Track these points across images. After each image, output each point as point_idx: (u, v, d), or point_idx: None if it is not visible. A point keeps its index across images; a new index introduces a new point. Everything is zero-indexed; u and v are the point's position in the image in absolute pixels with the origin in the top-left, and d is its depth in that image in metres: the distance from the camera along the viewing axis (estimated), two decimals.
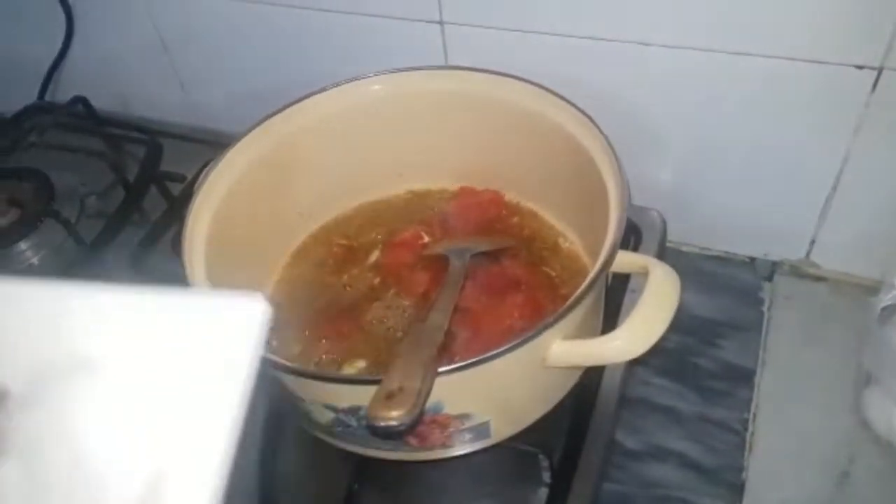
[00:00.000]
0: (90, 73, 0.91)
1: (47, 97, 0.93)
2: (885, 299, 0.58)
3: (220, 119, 0.86)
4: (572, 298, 0.44)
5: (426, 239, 0.66)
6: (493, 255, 0.62)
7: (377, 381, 0.46)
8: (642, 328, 0.44)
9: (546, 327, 0.43)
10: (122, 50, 0.88)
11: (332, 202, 0.69)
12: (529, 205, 0.67)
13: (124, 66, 0.90)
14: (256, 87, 0.82)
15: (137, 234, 0.76)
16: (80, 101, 0.87)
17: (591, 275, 0.45)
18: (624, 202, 0.49)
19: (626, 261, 0.49)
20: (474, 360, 0.42)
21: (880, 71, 0.57)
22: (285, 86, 0.64)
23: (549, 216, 0.66)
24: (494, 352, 0.42)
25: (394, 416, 0.38)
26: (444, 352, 0.53)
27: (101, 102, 0.88)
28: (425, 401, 0.40)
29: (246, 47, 0.81)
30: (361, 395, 0.45)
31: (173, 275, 0.53)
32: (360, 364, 0.56)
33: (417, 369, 0.41)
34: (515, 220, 0.67)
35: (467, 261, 0.58)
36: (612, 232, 0.47)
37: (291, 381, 0.48)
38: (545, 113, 0.57)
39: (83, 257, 0.75)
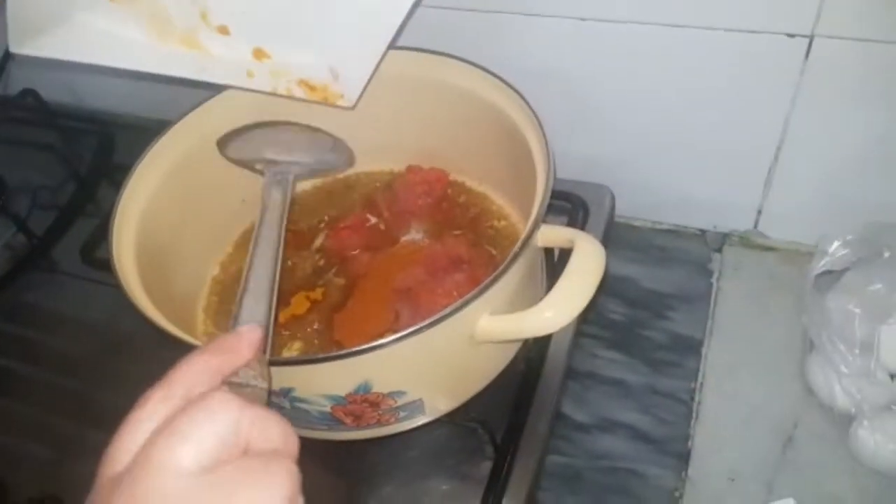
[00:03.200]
0: (39, 65, 0.91)
1: None
2: (820, 266, 0.59)
3: (172, 109, 0.86)
4: (493, 274, 0.44)
5: (372, 221, 0.66)
6: (435, 234, 0.62)
7: (309, 360, 0.46)
8: (566, 299, 0.44)
9: (467, 303, 0.43)
10: None
11: None
12: (475, 184, 0.67)
13: None
14: None
15: (90, 226, 0.76)
16: (30, 93, 0.86)
17: (514, 249, 0.45)
18: (550, 178, 0.49)
19: (552, 235, 0.49)
20: (394, 337, 0.42)
21: (812, 39, 0.57)
22: None
23: (494, 195, 0.66)
24: (413, 328, 0.42)
25: None
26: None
27: (51, 94, 0.87)
28: None
29: None
30: (292, 377, 0.46)
31: None
32: (297, 346, 0.56)
33: None
34: (462, 199, 0.67)
35: (290, 186, 0.54)
36: (536, 206, 0.48)
37: None
38: (476, 90, 0.57)
39: (34, 251, 0.75)
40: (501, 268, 0.44)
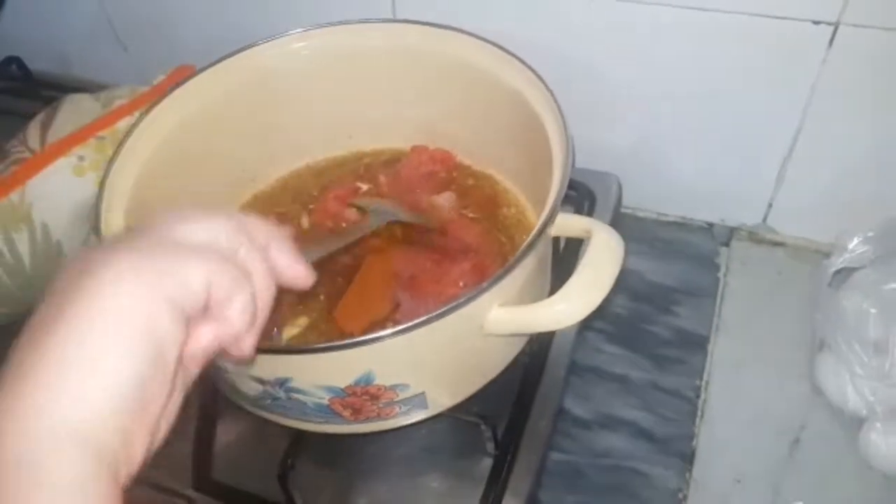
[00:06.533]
0: (25, 31, 0.87)
1: None
2: (838, 263, 0.57)
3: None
4: (508, 263, 0.42)
5: (364, 188, 0.64)
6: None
7: (309, 349, 0.44)
8: (582, 292, 0.42)
9: (478, 293, 0.41)
10: (61, 6, 0.84)
11: (277, 162, 0.66)
12: (482, 168, 0.65)
13: (63, 24, 0.85)
14: (198, 45, 0.79)
15: None
16: (14, 61, 0.82)
17: (529, 238, 0.43)
18: (567, 162, 0.46)
19: (568, 224, 0.47)
20: (401, 327, 0.39)
21: (837, 26, 0.55)
22: (230, 44, 0.61)
23: (503, 179, 0.64)
24: (423, 318, 0.39)
25: None
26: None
27: (37, 63, 0.84)
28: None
29: (187, 3, 0.77)
30: (290, 366, 0.43)
31: None
32: (302, 321, 0.53)
33: None
34: (470, 182, 0.65)
35: (380, 224, 0.56)
36: (553, 193, 0.45)
37: None
38: (490, 68, 0.54)
39: None
40: (516, 257, 0.42)
